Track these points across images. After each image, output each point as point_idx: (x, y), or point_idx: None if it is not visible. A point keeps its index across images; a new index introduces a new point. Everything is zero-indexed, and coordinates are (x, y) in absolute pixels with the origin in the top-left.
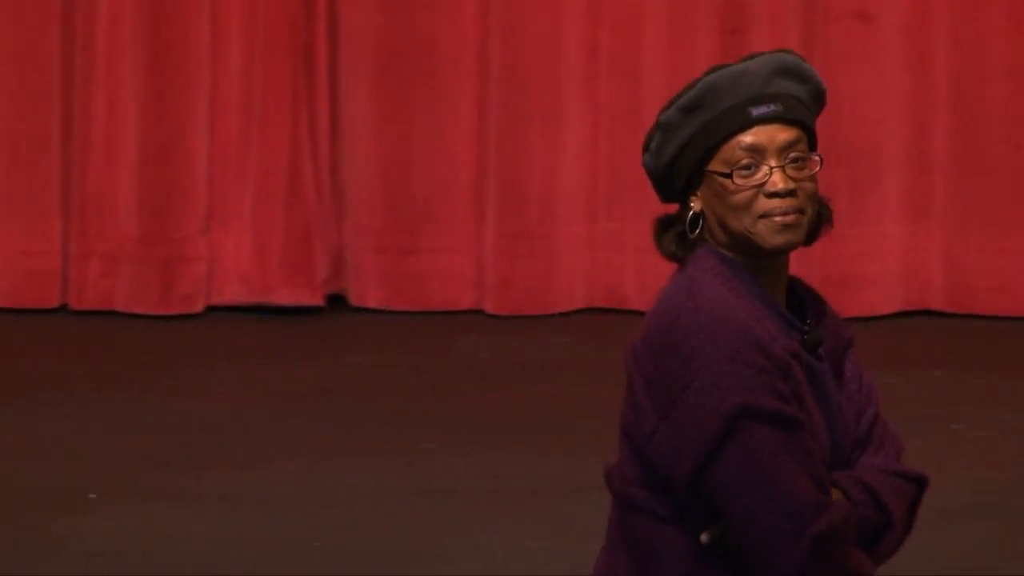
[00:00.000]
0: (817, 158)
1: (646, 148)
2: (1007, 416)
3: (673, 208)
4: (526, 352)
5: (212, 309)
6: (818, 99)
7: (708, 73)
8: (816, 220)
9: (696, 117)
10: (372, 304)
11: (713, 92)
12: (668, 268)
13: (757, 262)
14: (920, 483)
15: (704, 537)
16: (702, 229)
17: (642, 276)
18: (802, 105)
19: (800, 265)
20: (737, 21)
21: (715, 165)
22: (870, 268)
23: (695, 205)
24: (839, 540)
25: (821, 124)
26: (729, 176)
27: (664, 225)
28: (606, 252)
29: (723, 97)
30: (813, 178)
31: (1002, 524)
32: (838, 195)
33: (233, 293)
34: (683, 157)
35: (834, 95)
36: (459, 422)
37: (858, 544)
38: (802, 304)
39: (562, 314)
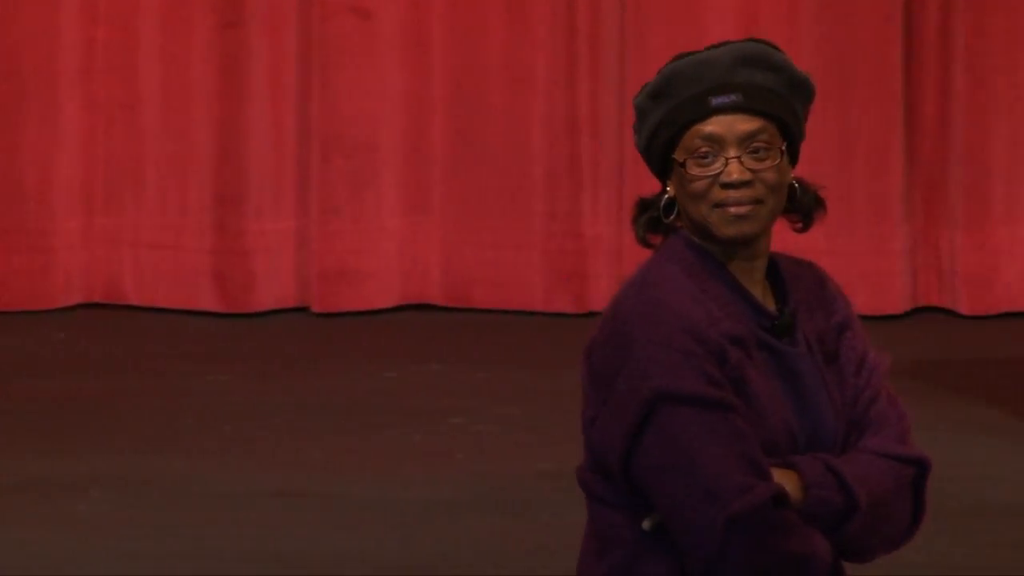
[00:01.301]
0: (781, 148)
1: (634, 130)
2: (506, 409)
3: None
4: (23, 348)
5: None
6: (798, 88)
7: (674, 60)
8: (802, 208)
9: (661, 104)
10: None
11: (675, 80)
12: (167, 262)
13: (726, 249)
14: (920, 465)
15: (646, 524)
16: (677, 215)
17: (139, 271)
18: (772, 95)
19: (311, 259)
20: (233, 15)
21: (678, 153)
22: (369, 262)
23: (670, 190)
24: (765, 522)
25: (318, 119)
26: (689, 165)
27: (642, 208)
28: (103, 247)
29: (685, 85)
30: (777, 168)
31: (503, 519)
32: (336, 191)
33: None
34: (653, 143)
35: (331, 90)
36: None
37: (816, 526)
38: (786, 288)
39: (60, 309)
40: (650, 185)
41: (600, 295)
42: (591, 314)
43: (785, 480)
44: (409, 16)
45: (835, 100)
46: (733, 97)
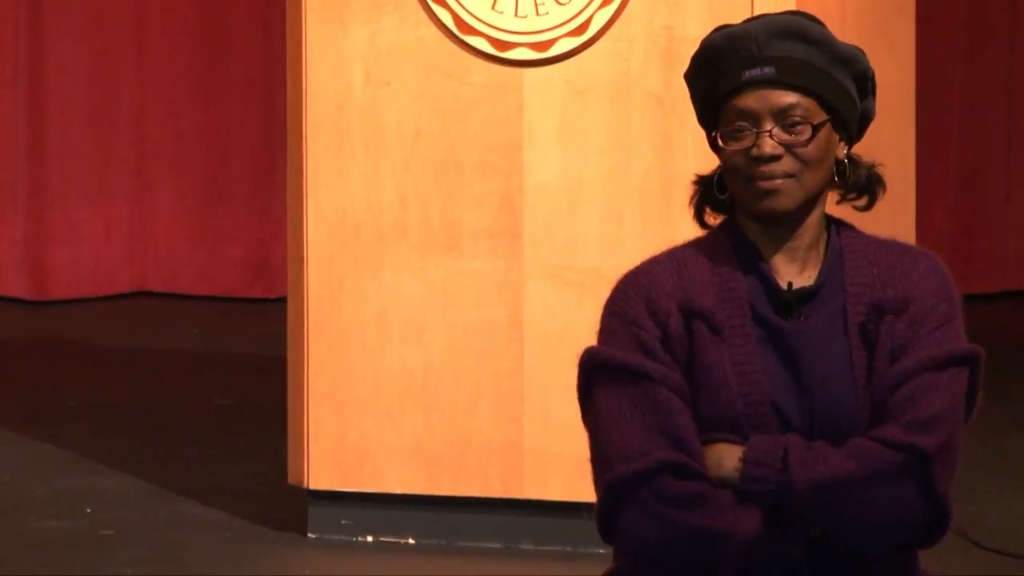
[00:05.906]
0: (817, 122)
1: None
2: None
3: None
4: None
5: None
6: (841, 62)
7: (714, 32)
8: (855, 185)
9: (702, 77)
10: None
11: (711, 53)
12: None
13: (764, 224)
14: (912, 451)
15: None
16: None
17: None
18: (809, 68)
19: None
20: None
21: (719, 127)
22: None
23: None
24: (653, 491)
25: None
26: (724, 139)
27: (699, 186)
28: None
29: (719, 58)
30: (816, 142)
31: None
32: None
33: None
34: (702, 119)
35: None
36: None
37: (753, 504)
38: (832, 266)
39: None
40: None
41: None
42: None
43: (725, 455)
44: None
45: None
46: (766, 70)
